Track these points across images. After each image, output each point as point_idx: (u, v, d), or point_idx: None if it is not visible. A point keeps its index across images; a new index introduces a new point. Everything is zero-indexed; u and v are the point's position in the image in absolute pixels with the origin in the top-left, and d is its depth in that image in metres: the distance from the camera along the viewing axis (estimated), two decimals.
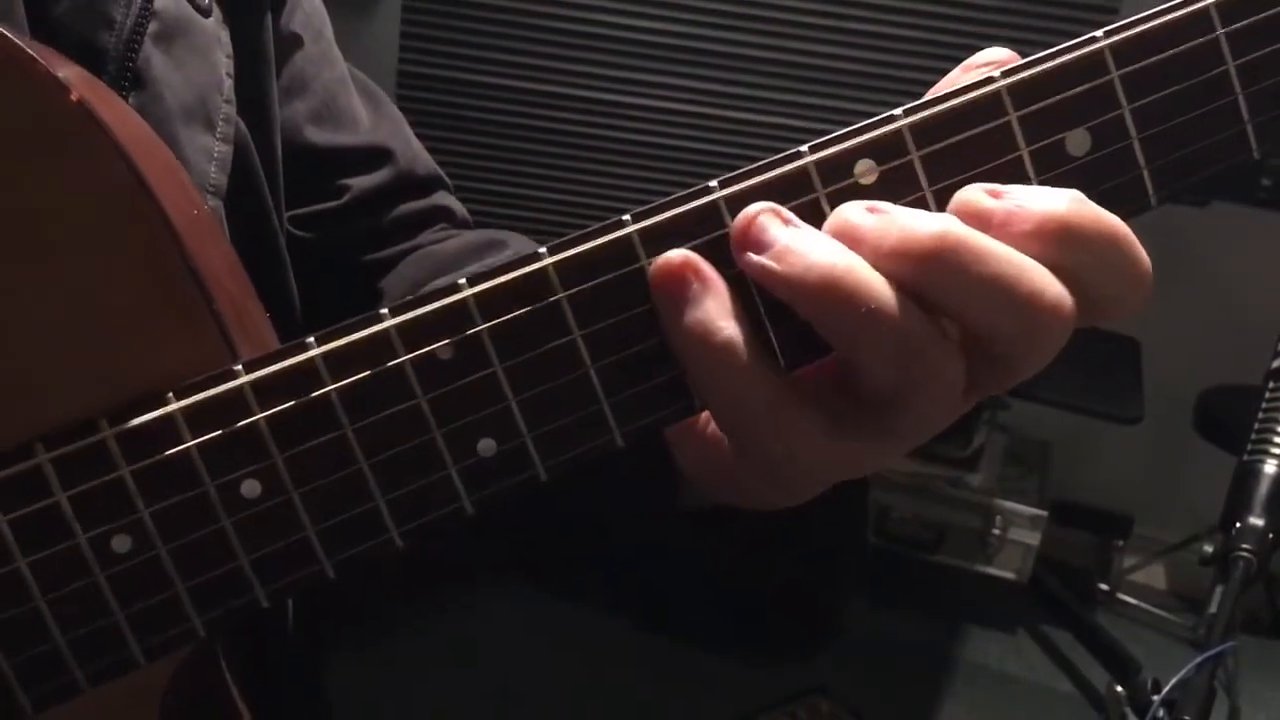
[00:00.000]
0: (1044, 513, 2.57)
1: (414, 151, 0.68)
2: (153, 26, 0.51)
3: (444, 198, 0.69)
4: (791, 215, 0.36)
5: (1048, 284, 0.34)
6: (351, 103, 0.66)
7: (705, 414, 0.40)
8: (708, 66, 2.55)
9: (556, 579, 0.55)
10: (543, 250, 0.36)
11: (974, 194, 0.36)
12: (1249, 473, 1.65)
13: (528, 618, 2.19)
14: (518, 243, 0.67)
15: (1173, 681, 1.46)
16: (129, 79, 0.50)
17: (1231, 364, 2.29)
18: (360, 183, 0.65)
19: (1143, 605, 2.77)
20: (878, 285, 0.34)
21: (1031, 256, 0.35)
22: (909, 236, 0.34)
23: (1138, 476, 2.86)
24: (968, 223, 0.35)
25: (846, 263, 0.34)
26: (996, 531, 2.63)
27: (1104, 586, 2.81)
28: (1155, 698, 1.52)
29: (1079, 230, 0.35)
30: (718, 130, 2.59)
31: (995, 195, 0.36)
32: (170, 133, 0.51)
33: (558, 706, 2.21)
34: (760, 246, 0.35)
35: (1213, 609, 1.56)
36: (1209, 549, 1.98)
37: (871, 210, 0.35)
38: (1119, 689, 2.35)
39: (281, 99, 0.61)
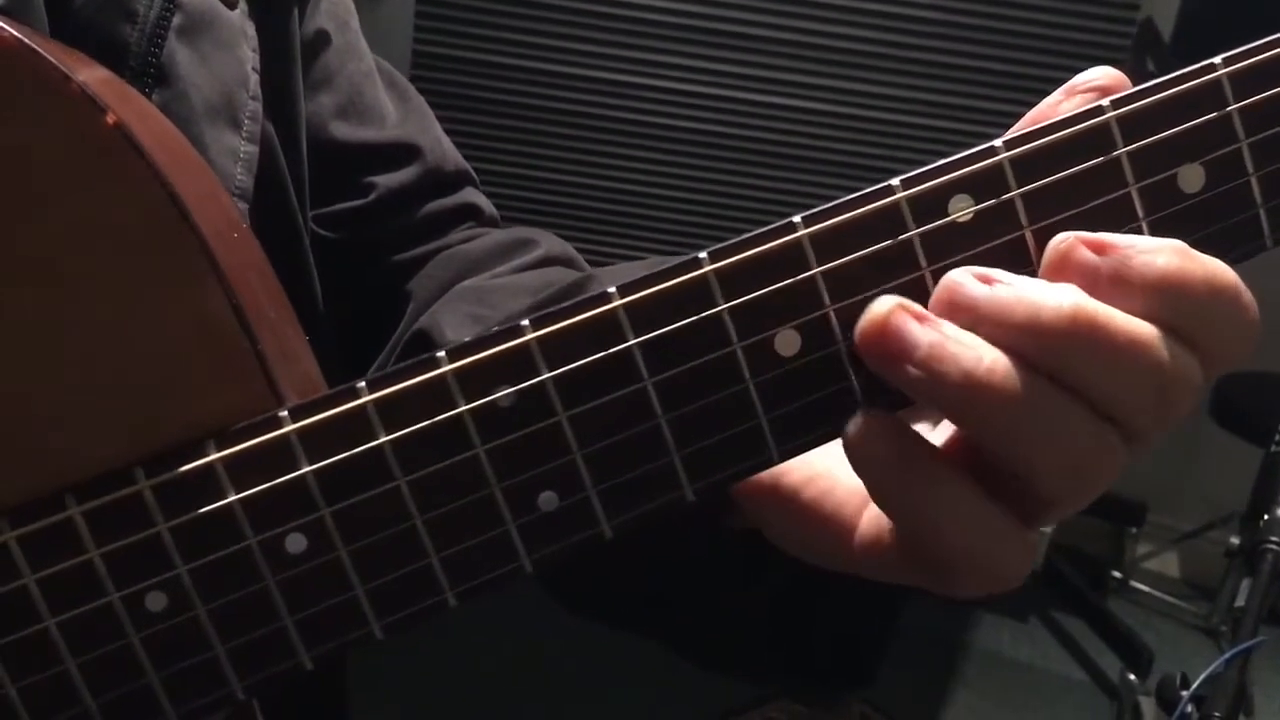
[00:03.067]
0: None
1: (442, 148, 0.65)
2: (177, 19, 0.48)
3: (472, 194, 0.67)
4: (920, 309, 0.32)
5: (1173, 351, 0.32)
6: (378, 97, 0.63)
7: None
8: (725, 48, 2.50)
9: (598, 609, 0.52)
10: (612, 290, 0.33)
11: (1074, 247, 0.33)
12: (1278, 464, 1.63)
13: (510, 615, 2.17)
14: (548, 241, 0.64)
15: (1201, 677, 1.44)
16: (152, 75, 0.47)
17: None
18: (387, 180, 0.62)
19: (1156, 593, 2.75)
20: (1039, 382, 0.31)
21: (1139, 316, 0.32)
22: (1038, 314, 0.31)
23: (1152, 463, 2.83)
24: (1068, 279, 0.32)
25: (990, 360, 0.31)
26: None
27: (1117, 574, 2.79)
28: (1184, 693, 1.50)
29: (1190, 289, 0.32)
30: (735, 112, 2.54)
31: (1098, 249, 0.33)
32: (195, 133, 0.48)
33: (547, 703, 2.19)
34: (907, 352, 0.32)
35: (1240, 602, 1.54)
36: (1235, 540, 1.97)
37: (984, 280, 0.32)
38: (1131, 677, 2.35)
39: (306, 93, 0.59)
